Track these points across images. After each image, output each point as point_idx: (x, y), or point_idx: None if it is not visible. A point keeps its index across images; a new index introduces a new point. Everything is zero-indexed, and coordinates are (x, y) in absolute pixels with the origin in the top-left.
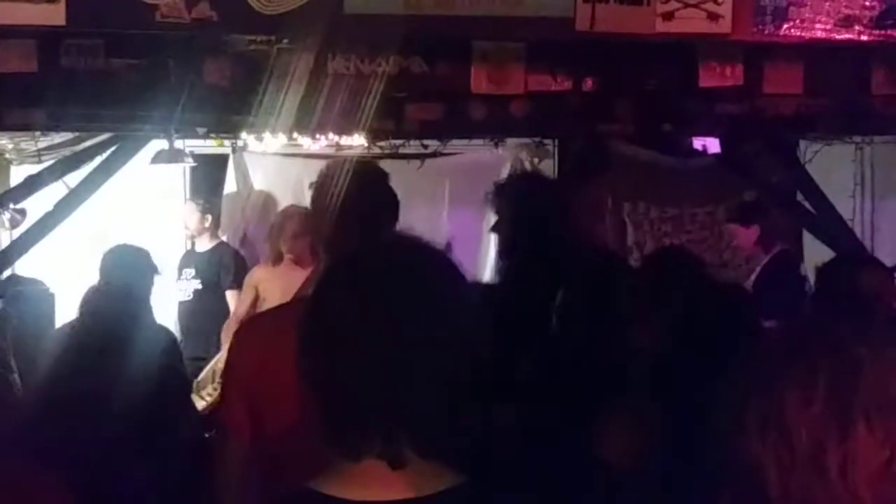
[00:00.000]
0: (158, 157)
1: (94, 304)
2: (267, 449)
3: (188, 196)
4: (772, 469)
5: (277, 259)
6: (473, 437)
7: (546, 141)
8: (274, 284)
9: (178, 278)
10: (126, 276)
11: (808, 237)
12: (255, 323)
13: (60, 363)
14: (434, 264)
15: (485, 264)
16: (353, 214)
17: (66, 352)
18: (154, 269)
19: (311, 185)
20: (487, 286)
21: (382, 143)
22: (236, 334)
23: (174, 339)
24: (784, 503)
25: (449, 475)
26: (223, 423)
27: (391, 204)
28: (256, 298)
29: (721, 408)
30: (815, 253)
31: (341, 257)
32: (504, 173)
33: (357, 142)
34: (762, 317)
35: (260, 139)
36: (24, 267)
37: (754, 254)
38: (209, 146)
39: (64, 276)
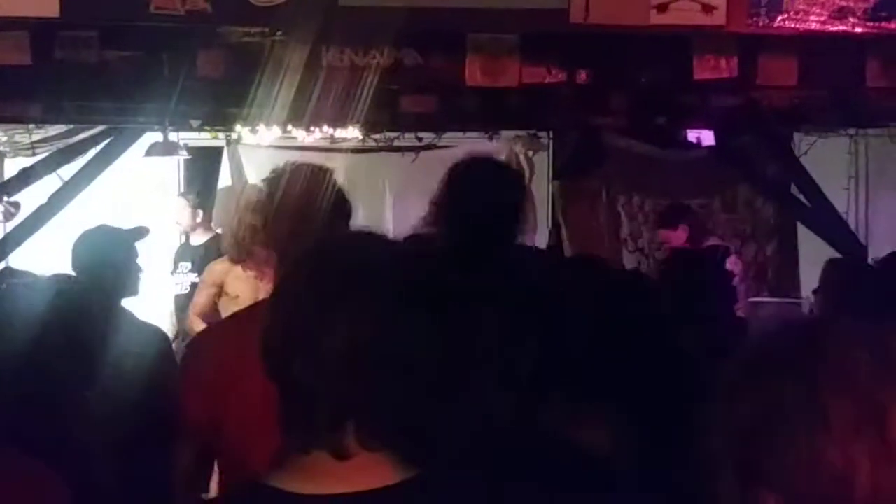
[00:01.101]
0: (153, 150)
1: (56, 302)
2: (230, 446)
3: (182, 189)
4: (864, 467)
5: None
6: (428, 431)
7: (540, 133)
8: (245, 284)
9: (174, 272)
10: (98, 268)
11: (802, 230)
12: (215, 331)
13: (14, 363)
14: (385, 257)
15: None
16: (303, 219)
17: (25, 351)
18: (135, 254)
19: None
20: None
21: (377, 136)
22: (196, 343)
23: (165, 338)
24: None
25: (400, 469)
26: (180, 422)
27: (342, 204)
28: (218, 295)
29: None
30: (810, 245)
31: (300, 254)
32: None
33: (351, 134)
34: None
35: (254, 131)
36: (18, 259)
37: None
38: (203, 138)
39: (58, 269)
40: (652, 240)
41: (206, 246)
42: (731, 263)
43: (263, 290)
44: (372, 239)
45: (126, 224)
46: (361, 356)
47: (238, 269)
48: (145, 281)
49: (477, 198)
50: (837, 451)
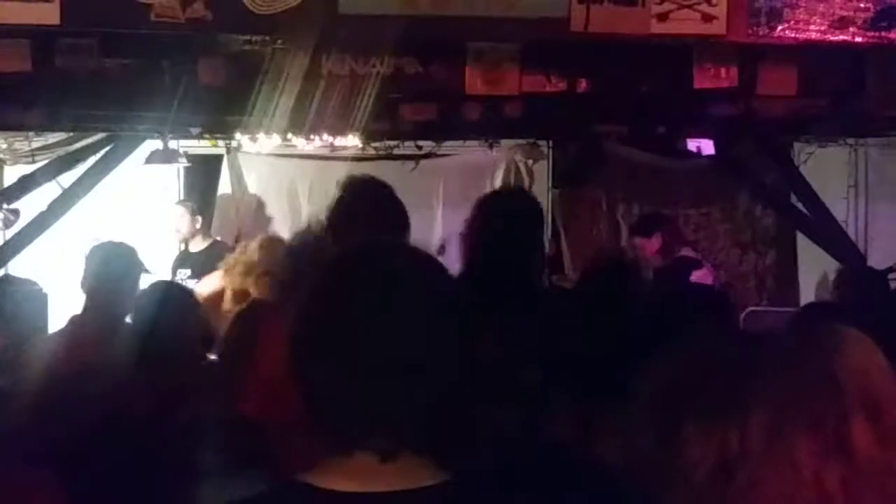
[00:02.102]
0: (153, 158)
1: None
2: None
3: (181, 197)
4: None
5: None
6: (466, 436)
7: (540, 142)
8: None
9: (173, 279)
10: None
11: (801, 238)
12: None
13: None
14: (424, 267)
15: None
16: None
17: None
18: (142, 269)
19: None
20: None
21: (377, 144)
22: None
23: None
24: None
25: (436, 471)
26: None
27: (403, 219)
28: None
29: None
30: (809, 255)
31: (334, 260)
32: (498, 174)
33: (351, 142)
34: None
35: (254, 140)
36: (17, 267)
37: (657, 264)
38: (203, 146)
39: (57, 277)
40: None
41: (205, 253)
42: (701, 276)
43: None
44: (403, 250)
45: (126, 232)
46: (398, 362)
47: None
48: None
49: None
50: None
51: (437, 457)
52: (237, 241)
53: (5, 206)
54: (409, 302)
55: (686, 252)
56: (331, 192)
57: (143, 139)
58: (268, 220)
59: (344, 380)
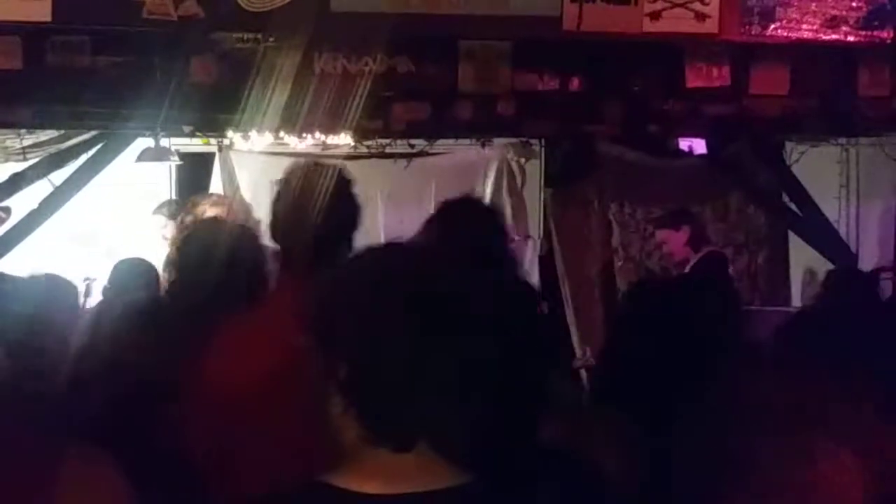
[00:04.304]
0: (144, 156)
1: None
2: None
3: (172, 195)
4: None
5: None
6: (494, 438)
7: (532, 141)
8: None
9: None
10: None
11: (793, 238)
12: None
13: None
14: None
15: None
16: (328, 223)
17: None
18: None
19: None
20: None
21: (369, 143)
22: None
23: None
24: None
25: (460, 472)
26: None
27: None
28: None
29: None
30: (801, 254)
31: (351, 265)
32: (490, 173)
33: (343, 141)
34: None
35: (246, 138)
36: (8, 265)
37: (685, 255)
38: (195, 144)
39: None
40: (643, 248)
41: None
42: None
43: None
44: (417, 254)
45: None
46: (422, 371)
47: None
48: None
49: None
50: None
51: (460, 457)
52: None
53: None
54: (435, 311)
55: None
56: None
57: (135, 137)
58: (259, 217)
59: (403, 380)
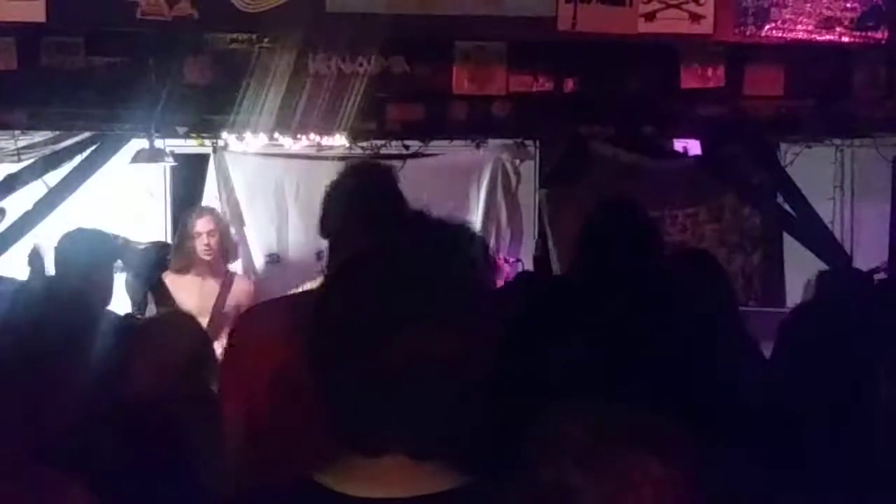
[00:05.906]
0: (139, 157)
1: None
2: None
3: (168, 195)
4: None
5: (185, 267)
6: (482, 438)
7: (527, 142)
8: (190, 294)
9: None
10: (83, 270)
11: (787, 239)
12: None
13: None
14: (449, 269)
15: None
16: (359, 213)
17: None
18: (114, 257)
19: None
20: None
21: (363, 144)
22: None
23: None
24: None
25: (453, 475)
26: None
27: (398, 202)
28: None
29: None
30: (795, 255)
31: (351, 261)
32: (485, 174)
33: (338, 142)
34: None
35: (241, 139)
36: (2, 266)
37: None
38: (190, 145)
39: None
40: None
41: None
42: None
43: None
44: (422, 249)
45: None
46: (424, 366)
47: (185, 280)
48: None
49: None
50: None
51: (459, 459)
52: None
53: None
54: (436, 308)
55: None
56: (317, 192)
57: (130, 138)
58: (254, 219)
59: (371, 384)
